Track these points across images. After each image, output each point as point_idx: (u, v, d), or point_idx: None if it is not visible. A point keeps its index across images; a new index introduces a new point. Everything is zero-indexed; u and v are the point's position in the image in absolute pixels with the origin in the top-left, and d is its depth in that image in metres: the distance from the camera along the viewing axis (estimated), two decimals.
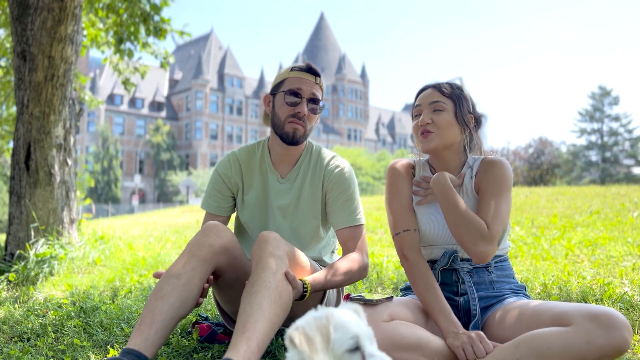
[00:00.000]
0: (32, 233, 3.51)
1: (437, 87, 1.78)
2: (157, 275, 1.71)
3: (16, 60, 3.64)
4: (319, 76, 1.92)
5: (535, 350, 1.38)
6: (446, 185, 1.67)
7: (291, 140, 1.91)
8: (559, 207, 6.38)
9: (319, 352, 0.98)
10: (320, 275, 1.72)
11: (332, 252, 2.11)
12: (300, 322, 1.04)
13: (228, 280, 1.78)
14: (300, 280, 1.64)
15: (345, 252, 1.89)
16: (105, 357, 1.80)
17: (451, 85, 1.79)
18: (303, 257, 1.75)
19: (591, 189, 9.02)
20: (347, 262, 1.80)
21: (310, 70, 1.91)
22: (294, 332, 1.02)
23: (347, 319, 1.04)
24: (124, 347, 1.63)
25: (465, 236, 1.60)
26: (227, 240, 1.73)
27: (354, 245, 1.88)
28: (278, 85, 1.94)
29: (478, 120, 1.80)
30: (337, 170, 1.95)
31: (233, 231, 2.08)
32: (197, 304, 1.66)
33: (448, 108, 1.74)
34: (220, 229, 1.73)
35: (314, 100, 1.90)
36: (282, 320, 1.54)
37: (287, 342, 1.03)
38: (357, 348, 1.02)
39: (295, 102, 1.88)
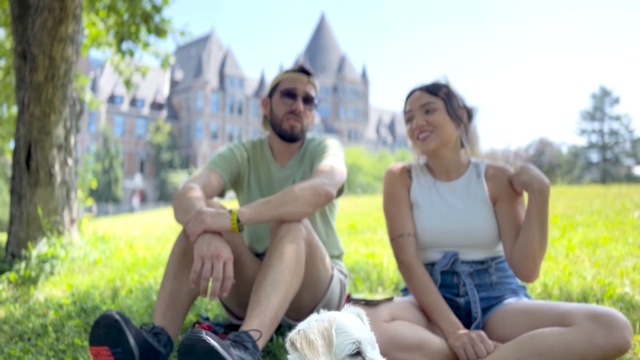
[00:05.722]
0: (33, 233, 3.51)
1: (425, 89, 1.79)
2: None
3: (17, 60, 3.64)
4: (311, 75, 2.05)
5: (536, 350, 1.39)
6: (548, 196, 1.62)
7: (290, 136, 2.03)
8: (559, 207, 6.36)
9: (321, 356, 0.97)
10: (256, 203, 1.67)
11: (338, 256, 2.12)
12: (302, 326, 1.03)
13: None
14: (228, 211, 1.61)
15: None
16: None
17: (437, 84, 1.80)
18: (317, 239, 1.78)
19: (592, 189, 9.01)
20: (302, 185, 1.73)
21: (303, 71, 2.05)
22: (295, 335, 1.01)
23: (349, 323, 1.03)
24: None
25: (541, 257, 1.64)
26: None
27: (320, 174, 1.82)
28: (274, 88, 2.07)
29: (470, 114, 1.81)
30: (320, 140, 2.07)
31: None
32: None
33: (439, 107, 1.74)
34: None
35: (308, 98, 2.03)
36: (297, 290, 1.60)
37: (288, 346, 1.03)
38: (358, 353, 1.01)
39: (291, 100, 2.00)
